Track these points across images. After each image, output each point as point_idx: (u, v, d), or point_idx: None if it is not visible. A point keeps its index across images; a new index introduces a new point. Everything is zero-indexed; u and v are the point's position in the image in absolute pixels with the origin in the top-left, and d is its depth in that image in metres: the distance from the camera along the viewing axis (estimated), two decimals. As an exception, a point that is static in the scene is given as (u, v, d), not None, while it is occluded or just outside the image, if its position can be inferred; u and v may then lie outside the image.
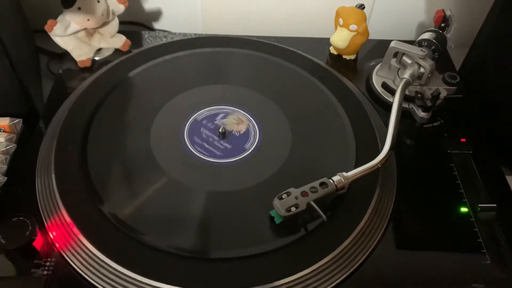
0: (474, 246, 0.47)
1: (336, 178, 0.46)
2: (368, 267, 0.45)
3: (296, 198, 0.45)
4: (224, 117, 0.56)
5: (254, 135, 0.54)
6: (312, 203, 0.44)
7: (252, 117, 0.56)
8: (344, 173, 0.47)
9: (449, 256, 0.46)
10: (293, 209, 0.44)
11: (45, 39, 0.65)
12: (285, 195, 0.45)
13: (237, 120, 0.53)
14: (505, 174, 0.54)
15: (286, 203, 0.44)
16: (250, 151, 0.52)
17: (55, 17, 0.60)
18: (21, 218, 0.44)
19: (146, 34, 0.70)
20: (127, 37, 0.66)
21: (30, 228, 0.43)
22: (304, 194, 0.45)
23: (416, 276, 0.45)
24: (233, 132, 0.54)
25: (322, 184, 0.46)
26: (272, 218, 0.46)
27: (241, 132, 0.54)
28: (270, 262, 0.43)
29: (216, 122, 0.55)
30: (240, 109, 0.57)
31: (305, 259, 0.43)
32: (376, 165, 0.48)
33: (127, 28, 0.68)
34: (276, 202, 0.45)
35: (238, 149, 0.53)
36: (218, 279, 0.42)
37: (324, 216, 0.44)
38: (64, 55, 0.65)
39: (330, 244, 0.45)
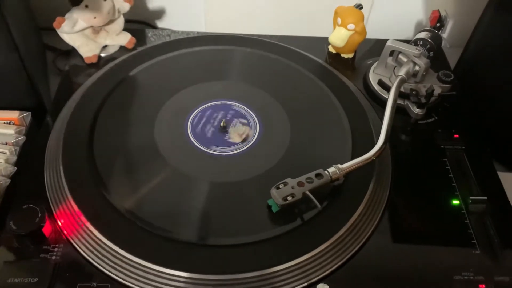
0: (465, 236, 0.49)
1: (331, 169, 0.48)
2: (362, 256, 0.47)
3: (293, 188, 0.46)
4: (230, 115, 0.58)
5: (252, 137, 0.56)
6: (308, 193, 0.46)
7: (252, 112, 0.58)
8: (339, 165, 0.49)
9: (440, 246, 0.48)
10: (289, 198, 0.46)
11: (51, 36, 0.66)
12: (282, 185, 0.47)
13: (240, 133, 0.55)
14: (496, 170, 0.55)
15: (283, 192, 0.46)
16: (239, 151, 0.54)
17: (60, 16, 0.62)
18: (31, 205, 0.45)
19: (149, 32, 0.72)
20: (131, 35, 0.68)
21: (40, 215, 0.45)
22: (300, 184, 0.47)
23: (408, 265, 0.46)
24: (231, 140, 0.55)
25: (317, 175, 0.47)
26: (269, 207, 0.47)
27: (238, 141, 0.55)
28: (267, 249, 0.45)
29: (225, 118, 0.57)
30: (241, 104, 0.59)
31: (301, 247, 0.45)
32: (370, 157, 0.49)
33: (131, 27, 0.69)
34: (273, 191, 0.46)
35: (227, 145, 0.55)
36: (218, 265, 0.44)
37: (319, 205, 0.46)
38: (70, 52, 0.66)
39: (325, 233, 0.46)
